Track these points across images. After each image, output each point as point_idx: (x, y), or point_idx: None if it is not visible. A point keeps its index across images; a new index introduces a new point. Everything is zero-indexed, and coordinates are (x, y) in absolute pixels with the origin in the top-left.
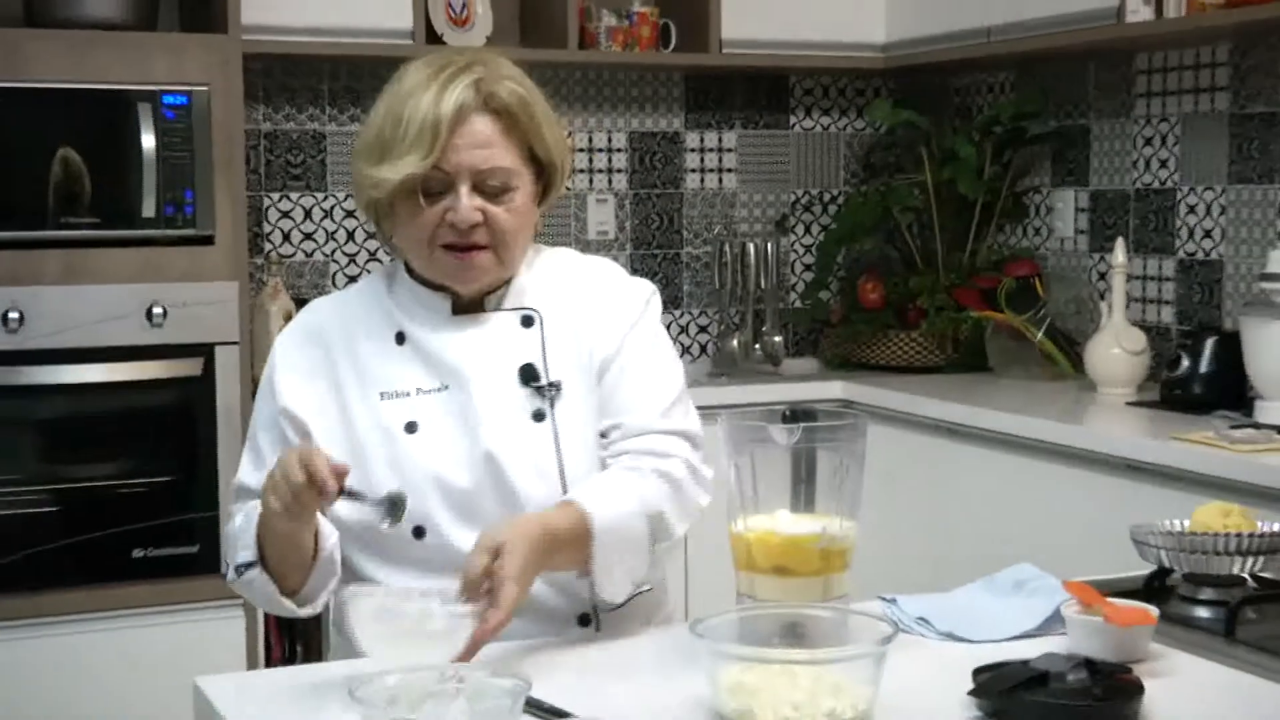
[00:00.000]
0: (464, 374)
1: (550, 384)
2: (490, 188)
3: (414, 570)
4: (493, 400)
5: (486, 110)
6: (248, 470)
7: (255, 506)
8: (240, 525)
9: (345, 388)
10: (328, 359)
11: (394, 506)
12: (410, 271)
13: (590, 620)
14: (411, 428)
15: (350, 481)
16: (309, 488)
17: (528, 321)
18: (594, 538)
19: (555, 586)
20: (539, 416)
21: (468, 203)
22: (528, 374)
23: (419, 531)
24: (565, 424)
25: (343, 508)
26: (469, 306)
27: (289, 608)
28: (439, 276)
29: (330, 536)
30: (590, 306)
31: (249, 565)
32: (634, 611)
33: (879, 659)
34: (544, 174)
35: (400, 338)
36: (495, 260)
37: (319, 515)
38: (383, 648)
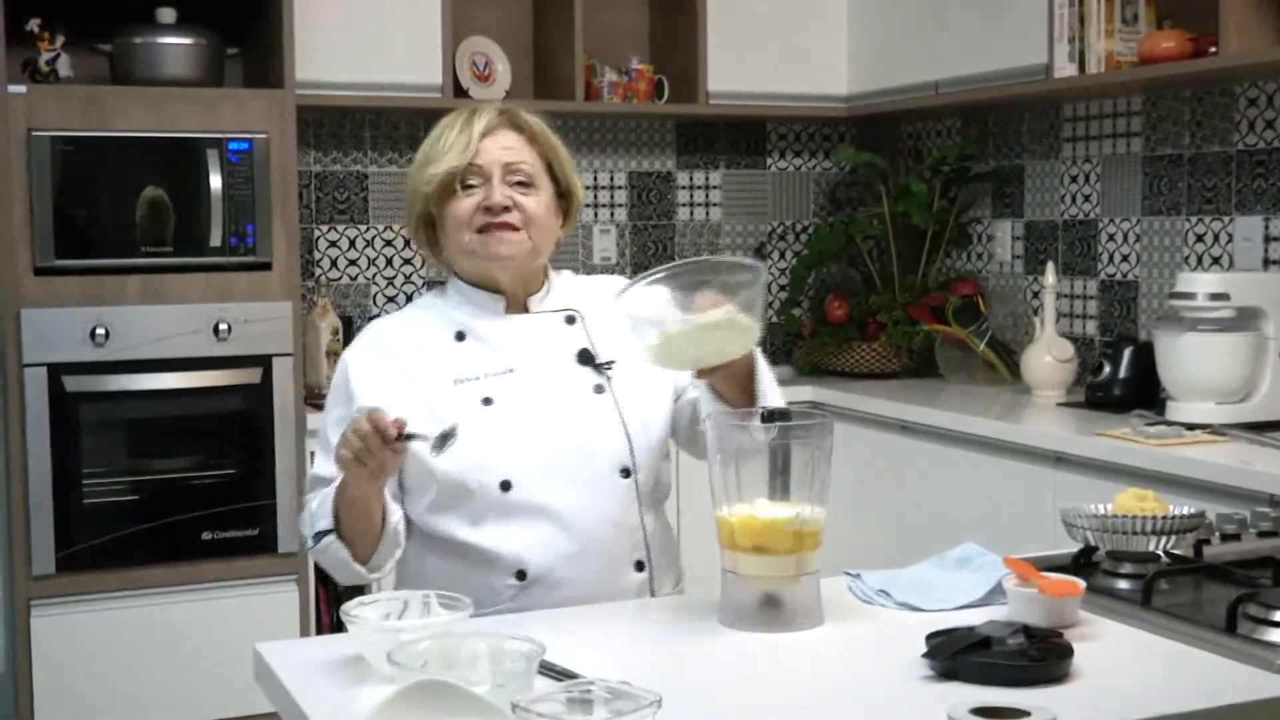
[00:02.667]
0: (526, 358)
1: (606, 363)
2: (518, 180)
3: (499, 523)
4: (556, 378)
5: (510, 126)
6: (321, 464)
7: (332, 489)
8: (318, 503)
9: (419, 381)
10: (397, 362)
11: (443, 438)
12: (459, 280)
13: (644, 566)
14: (488, 402)
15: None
16: (374, 434)
17: (570, 320)
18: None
19: (617, 530)
20: (599, 389)
21: (501, 188)
22: (584, 356)
23: (506, 485)
24: (623, 394)
25: (435, 468)
26: (516, 309)
27: (360, 573)
28: (478, 258)
29: (395, 513)
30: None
31: (326, 533)
32: (669, 567)
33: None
34: (563, 196)
35: (460, 335)
36: (527, 240)
37: (386, 495)
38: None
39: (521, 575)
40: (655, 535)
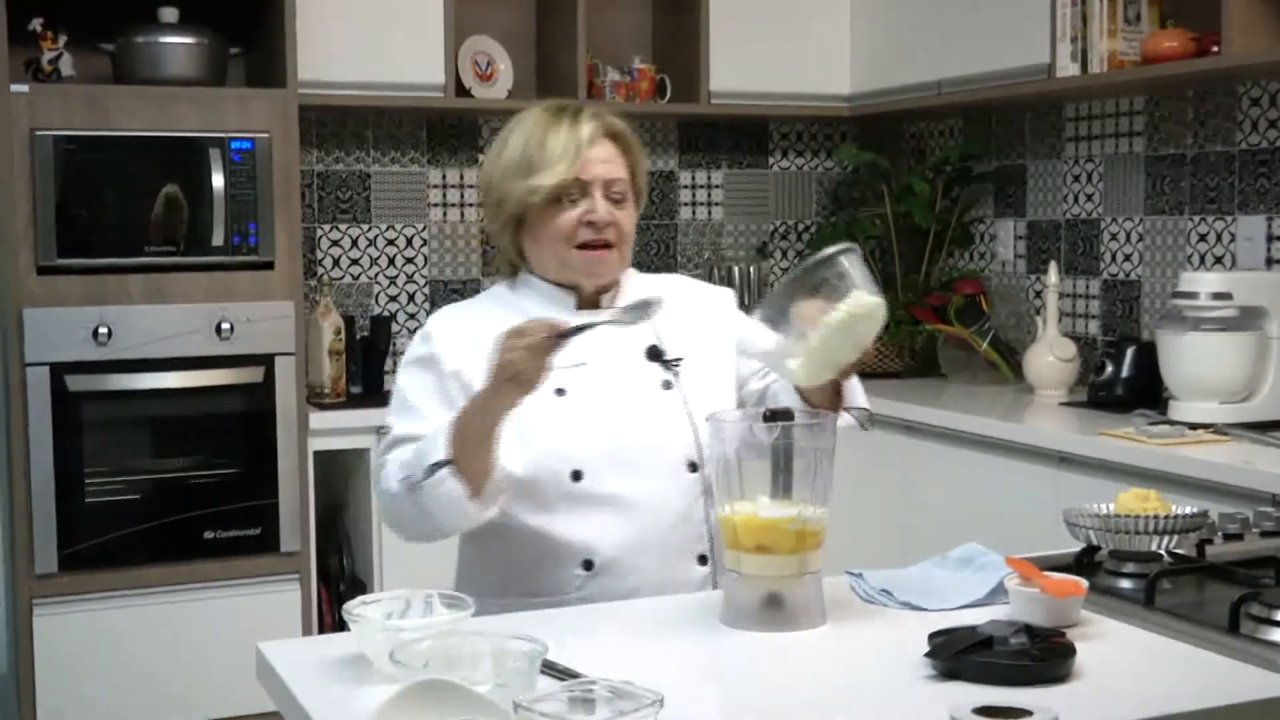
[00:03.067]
0: (597, 353)
1: (674, 360)
2: (615, 195)
3: (568, 512)
4: (626, 373)
5: (607, 135)
6: (406, 425)
7: (444, 425)
8: (426, 441)
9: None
10: (474, 343)
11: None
12: (533, 276)
13: (707, 560)
14: (561, 392)
15: (508, 436)
16: (545, 328)
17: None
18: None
19: (683, 523)
20: (667, 385)
21: (604, 205)
22: (653, 352)
23: (577, 475)
24: (690, 391)
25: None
26: (588, 305)
27: (469, 510)
28: (573, 272)
29: (501, 460)
30: (691, 299)
31: (443, 465)
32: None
33: None
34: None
35: None
36: (619, 257)
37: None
38: None
39: (589, 565)
40: (719, 530)
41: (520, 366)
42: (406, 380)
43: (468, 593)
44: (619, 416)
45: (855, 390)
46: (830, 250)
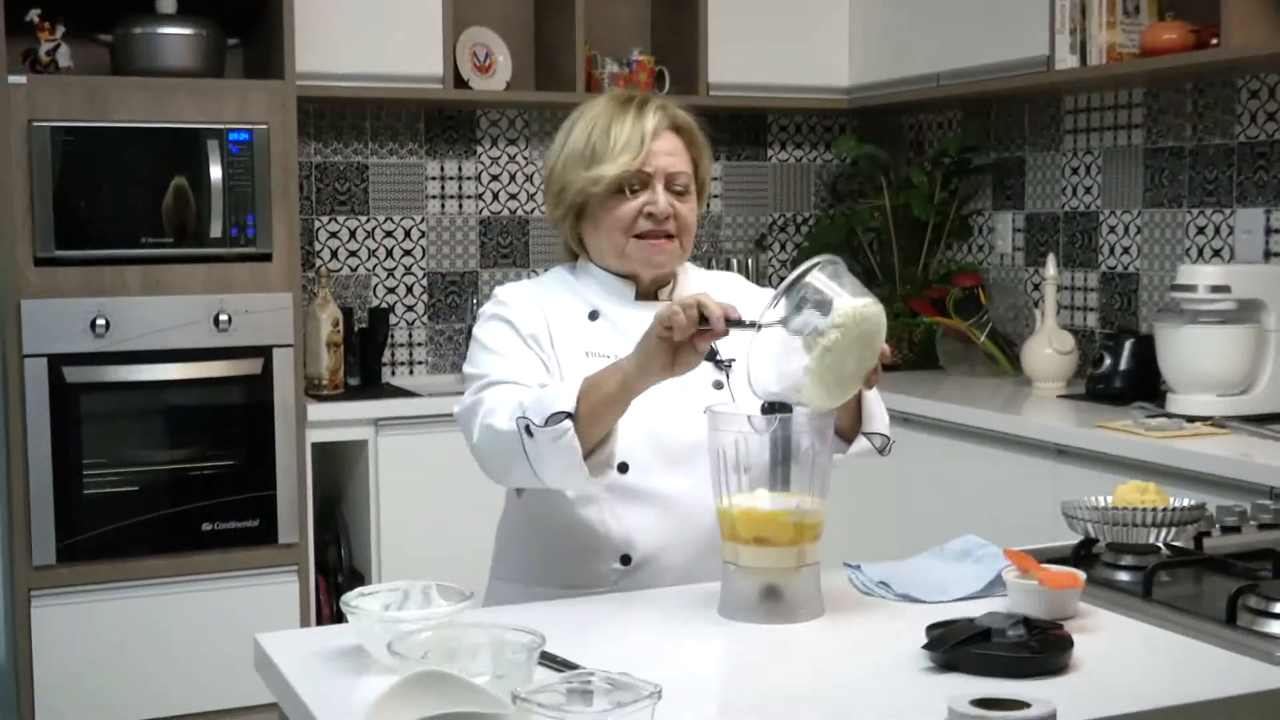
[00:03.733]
0: None
1: (727, 360)
2: (676, 188)
3: (611, 504)
4: None
5: (672, 128)
6: (499, 367)
7: (575, 380)
8: (551, 389)
9: (555, 343)
10: (543, 312)
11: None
12: (592, 264)
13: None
14: None
15: None
16: (716, 309)
17: None
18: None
19: (703, 517)
20: (718, 385)
21: (664, 197)
22: (708, 351)
23: (623, 467)
24: (740, 392)
25: None
26: (646, 297)
27: (579, 469)
28: (633, 261)
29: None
30: (744, 304)
31: (566, 415)
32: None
33: None
34: (700, 192)
35: (594, 315)
36: (679, 249)
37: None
38: None
39: (627, 560)
40: None
41: (680, 321)
42: (486, 332)
43: (504, 577)
44: (669, 412)
45: (875, 415)
46: (793, 275)
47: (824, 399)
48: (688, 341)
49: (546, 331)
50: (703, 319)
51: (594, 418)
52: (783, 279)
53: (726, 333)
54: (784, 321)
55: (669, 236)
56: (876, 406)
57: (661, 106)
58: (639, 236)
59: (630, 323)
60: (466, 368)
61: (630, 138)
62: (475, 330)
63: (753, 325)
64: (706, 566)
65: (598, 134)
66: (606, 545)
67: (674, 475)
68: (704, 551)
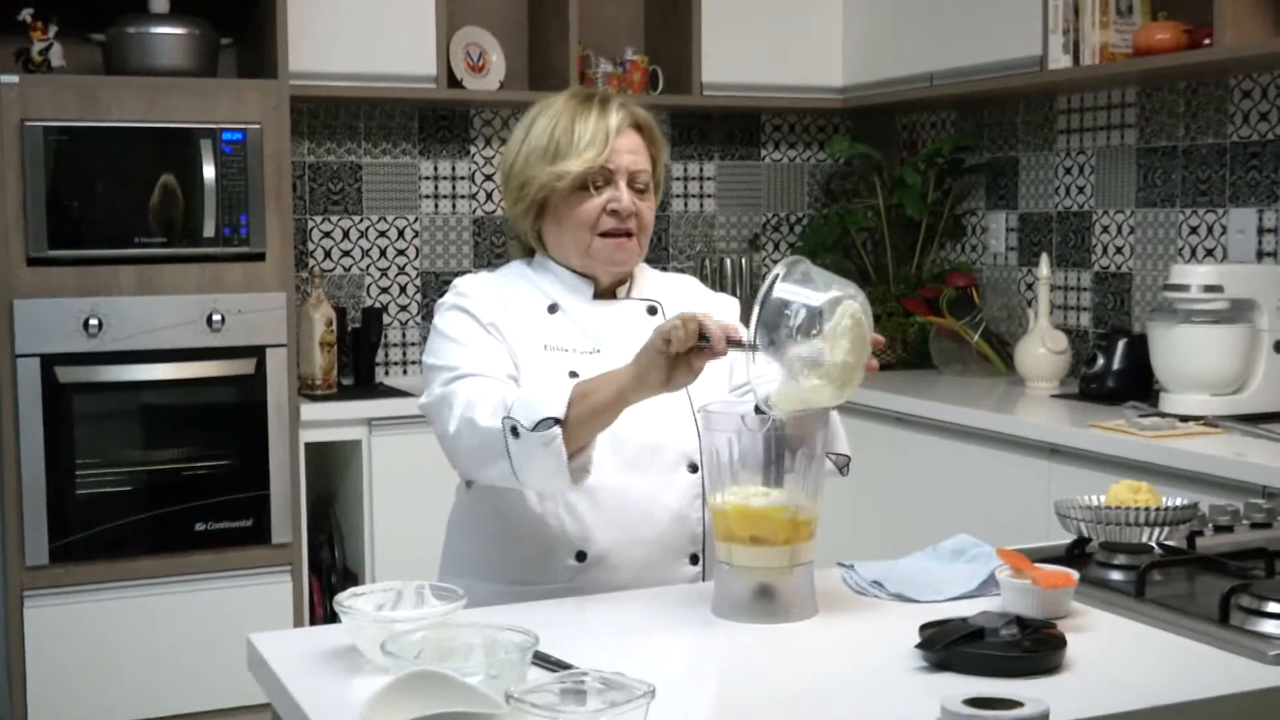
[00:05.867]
0: (611, 343)
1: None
2: (638, 186)
3: (565, 501)
4: None
5: (634, 126)
6: (463, 358)
7: (568, 383)
8: (541, 392)
9: (513, 336)
10: (503, 302)
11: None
12: (551, 260)
13: (699, 560)
14: (574, 375)
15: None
16: (718, 329)
17: (652, 310)
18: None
19: (678, 522)
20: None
21: (628, 194)
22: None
23: None
24: (696, 391)
25: None
26: (603, 295)
27: (564, 473)
28: (595, 259)
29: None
30: (698, 302)
31: (556, 421)
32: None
33: None
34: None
35: (553, 308)
36: (638, 247)
37: None
38: None
39: (581, 556)
40: (712, 531)
41: (679, 335)
42: (448, 323)
43: (452, 574)
44: (627, 413)
45: (837, 435)
46: (761, 293)
47: (833, 398)
48: (685, 359)
49: (506, 322)
50: (702, 337)
51: (582, 426)
52: (751, 298)
53: (726, 353)
54: (778, 354)
55: (630, 235)
56: (837, 427)
57: (623, 104)
58: (603, 235)
59: (589, 319)
60: (428, 358)
61: (595, 134)
62: (436, 320)
63: (751, 348)
64: (665, 568)
65: (561, 130)
66: (562, 542)
67: (630, 475)
68: (657, 551)
